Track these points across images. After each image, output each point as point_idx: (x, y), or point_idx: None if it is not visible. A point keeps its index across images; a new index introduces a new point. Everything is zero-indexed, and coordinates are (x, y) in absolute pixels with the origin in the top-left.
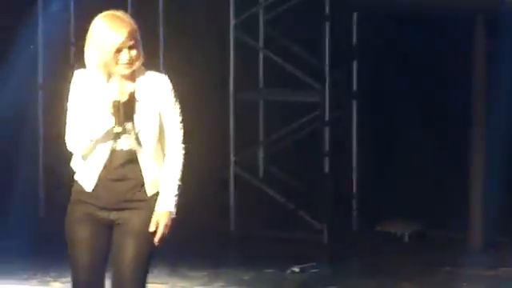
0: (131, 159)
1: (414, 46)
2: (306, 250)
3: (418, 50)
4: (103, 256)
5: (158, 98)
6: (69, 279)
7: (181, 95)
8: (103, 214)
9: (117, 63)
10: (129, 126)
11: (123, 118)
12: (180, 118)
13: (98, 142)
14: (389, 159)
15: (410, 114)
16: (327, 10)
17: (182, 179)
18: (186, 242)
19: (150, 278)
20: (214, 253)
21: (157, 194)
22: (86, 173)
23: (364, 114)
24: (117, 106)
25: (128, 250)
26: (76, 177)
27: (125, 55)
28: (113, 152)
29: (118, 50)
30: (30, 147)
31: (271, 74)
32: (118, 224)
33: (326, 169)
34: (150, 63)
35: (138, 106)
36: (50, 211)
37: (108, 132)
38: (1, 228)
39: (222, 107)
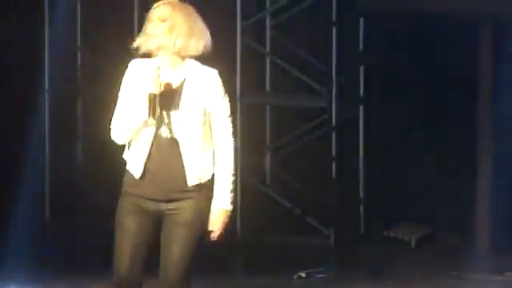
0: (174, 149)
1: (420, 51)
2: (312, 254)
3: (424, 56)
4: (147, 247)
5: (206, 91)
6: None
7: None
8: (152, 206)
9: (146, 35)
10: (172, 115)
11: (158, 111)
12: (229, 112)
13: (139, 131)
14: (396, 164)
15: (418, 118)
16: (334, 15)
17: (235, 173)
18: None
19: (153, 283)
20: (220, 257)
21: (203, 185)
22: (134, 161)
23: (372, 119)
24: (152, 98)
25: (177, 241)
26: (127, 166)
27: (151, 26)
28: (156, 140)
29: (149, 19)
30: (36, 150)
31: (278, 79)
32: (167, 215)
33: (334, 174)
34: None
35: (183, 98)
36: (55, 212)
37: (143, 123)
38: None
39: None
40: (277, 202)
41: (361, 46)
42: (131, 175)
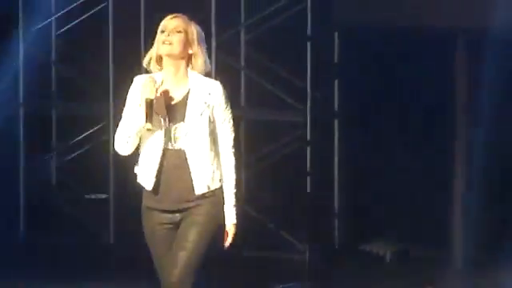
0: (182, 160)
1: (395, 63)
2: (287, 269)
3: (400, 68)
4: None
5: (211, 102)
6: None
7: None
8: (168, 217)
9: (161, 43)
10: (178, 127)
11: (154, 116)
12: (231, 124)
13: (139, 138)
14: (371, 179)
15: (392, 132)
16: (309, 29)
17: (237, 185)
18: None
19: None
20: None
21: (212, 192)
22: (145, 174)
23: (346, 133)
24: (148, 103)
25: (189, 235)
26: (138, 180)
27: (166, 35)
28: (165, 153)
29: (162, 31)
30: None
31: (253, 94)
32: (182, 220)
33: (308, 188)
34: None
35: (188, 109)
36: (30, 225)
37: (140, 129)
38: None
39: None
40: (251, 217)
41: (335, 60)
42: (145, 191)
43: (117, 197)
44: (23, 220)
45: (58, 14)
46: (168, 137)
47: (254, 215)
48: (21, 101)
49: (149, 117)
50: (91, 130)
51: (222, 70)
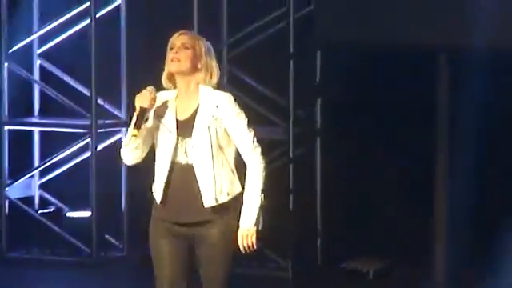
0: (190, 174)
1: (378, 83)
2: (270, 286)
3: (382, 87)
4: (185, 267)
5: (219, 115)
6: None
7: None
8: (178, 230)
9: (170, 60)
10: (187, 141)
11: (163, 131)
12: (247, 129)
13: (160, 157)
14: (353, 196)
15: (376, 151)
16: (291, 47)
17: (265, 190)
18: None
19: None
20: None
21: (223, 206)
22: (156, 187)
23: (328, 151)
24: (140, 111)
25: (208, 263)
26: (153, 194)
27: (175, 52)
28: (173, 166)
29: (171, 48)
30: None
31: None
32: (195, 238)
33: (291, 206)
34: None
35: (196, 123)
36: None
37: (131, 136)
38: None
39: None
40: None
41: (318, 78)
42: (156, 203)
43: (99, 214)
44: (5, 236)
45: (41, 33)
46: (177, 151)
47: None
48: (4, 119)
49: (138, 124)
50: (74, 147)
51: None
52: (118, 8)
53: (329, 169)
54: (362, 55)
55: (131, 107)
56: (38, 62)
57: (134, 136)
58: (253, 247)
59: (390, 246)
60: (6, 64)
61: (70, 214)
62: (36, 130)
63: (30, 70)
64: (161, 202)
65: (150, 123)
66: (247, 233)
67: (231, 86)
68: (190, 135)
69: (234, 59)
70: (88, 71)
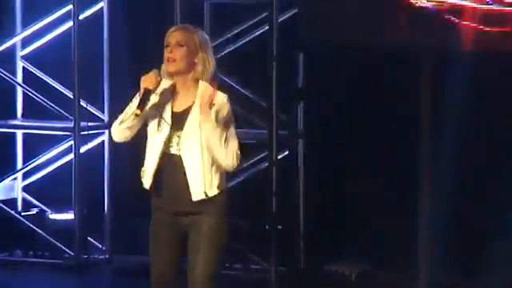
0: (180, 166)
1: (361, 84)
2: None
3: (366, 88)
4: (177, 257)
5: (213, 113)
6: None
7: None
8: (174, 220)
9: (166, 60)
10: (179, 134)
11: (146, 104)
12: (234, 138)
13: (151, 146)
14: (336, 198)
15: (358, 154)
16: (274, 50)
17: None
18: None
19: None
20: None
21: (213, 200)
22: (146, 175)
23: (310, 154)
24: (146, 92)
25: (199, 252)
26: (143, 179)
27: (169, 51)
28: (164, 157)
29: (167, 46)
30: None
31: None
32: (190, 229)
33: (274, 208)
34: None
35: (189, 117)
36: None
37: (132, 116)
38: None
39: None
40: None
41: (300, 81)
42: (153, 194)
43: (82, 216)
44: None
45: (23, 35)
46: (168, 142)
47: None
48: None
49: (141, 104)
50: (56, 150)
51: None
52: (100, 10)
53: (312, 171)
54: (345, 57)
55: (114, 109)
56: (20, 65)
57: (136, 115)
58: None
59: (374, 249)
60: None
61: (52, 217)
62: (19, 132)
63: (13, 72)
64: (150, 188)
65: (151, 103)
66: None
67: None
68: (182, 128)
69: (217, 63)
70: (71, 73)
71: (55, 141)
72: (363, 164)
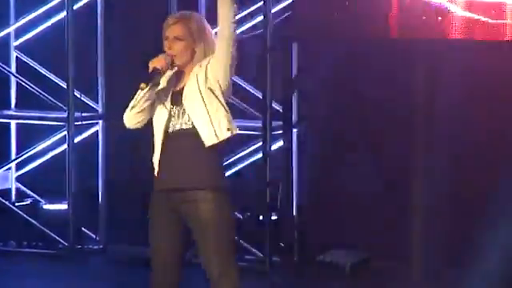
0: (183, 139)
1: (355, 73)
2: (247, 279)
3: (360, 78)
4: (179, 240)
5: (205, 62)
6: None
7: None
8: (173, 204)
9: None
10: (178, 107)
11: (154, 83)
12: None
13: (156, 127)
14: (330, 189)
15: (353, 143)
16: (268, 41)
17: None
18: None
19: None
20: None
21: (215, 178)
22: (155, 159)
23: (305, 144)
24: (153, 70)
25: (208, 238)
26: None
27: (168, 47)
28: (166, 135)
29: (165, 38)
30: None
31: None
32: (189, 215)
33: (268, 198)
34: None
35: (186, 85)
36: None
37: (142, 98)
38: None
39: None
40: None
41: (294, 71)
42: (155, 175)
43: (76, 206)
44: None
45: (17, 25)
46: (170, 120)
47: None
48: None
49: (149, 80)
50: (50, 140)
51: None
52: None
53: (305, 161)
54: (339, 48)
55: (108, 100)
56: (14, 55)
57: (141, 89)
58: None
59: (368, 240)
60: None
61: (46, 207)
62: (13, 122)
63: (7, 62)
64: (157, 172)
65: (160, 87)
66: None
67: None
68: (181, 100)
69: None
70: (65, 64)
71: (49, 131)
72: (357, 154)
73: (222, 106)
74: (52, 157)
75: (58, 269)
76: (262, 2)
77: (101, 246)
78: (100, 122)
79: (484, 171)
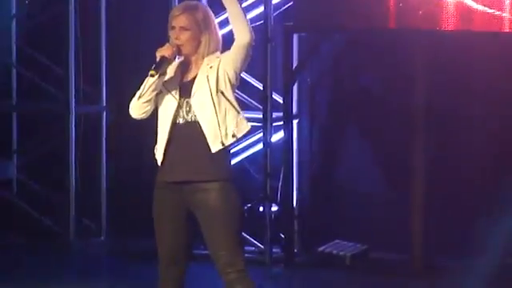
0: (190, 131)
1: (356, 66)
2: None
3: (360, 72)
4: (184, 232)
5: (216, 63)
6: None
7: None
8: (178, 196)
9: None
10: (187, 100)
11: (162, 71)
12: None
13: (161, 118)
14: (331, 180)
15: (353, 135)
16: (269, 32)
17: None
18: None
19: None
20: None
21: (221, 169)
22: (158, 148)
23: (305, 135)
24: (161, 57)
25: (214, 229)
26: (156, 156)
27: (175, 36)
28: (173, 127)
29: (171, 27)
30: None
31: None
32: (197, 206)
33: (268, 190)
34: None
35: (196, 79)
36: None
37: (149, 87)
38: None
39: None
40: None
41: (294, 63)
42: (159, 168)
43: (78, 198)
44: None
45: (19, 15)
46: (179, 112)
47: None
48: None
49: (157, 68)
50: (52, 130)
51: None
52: None
53: (306, 152)
54: (339, 40)
55: (111, 91)
56: (15, 46)
57: (152, 76)
58: None
59: (368, 231)
60: None
61: (48, 198)
62: (14, 113)
63: (9, 53)
64: (162, 163)
65: (168, 77)
66: None
67: None
68: (190, 93)
69: None
70: (67, 54)
71: (51, 122)
72: (358, 145)
73: (233, 107)
74: (54, 148)
75: (58, 260)
76: None
77: (102, 238)
78: (103, 112)
79: (483, 166)
